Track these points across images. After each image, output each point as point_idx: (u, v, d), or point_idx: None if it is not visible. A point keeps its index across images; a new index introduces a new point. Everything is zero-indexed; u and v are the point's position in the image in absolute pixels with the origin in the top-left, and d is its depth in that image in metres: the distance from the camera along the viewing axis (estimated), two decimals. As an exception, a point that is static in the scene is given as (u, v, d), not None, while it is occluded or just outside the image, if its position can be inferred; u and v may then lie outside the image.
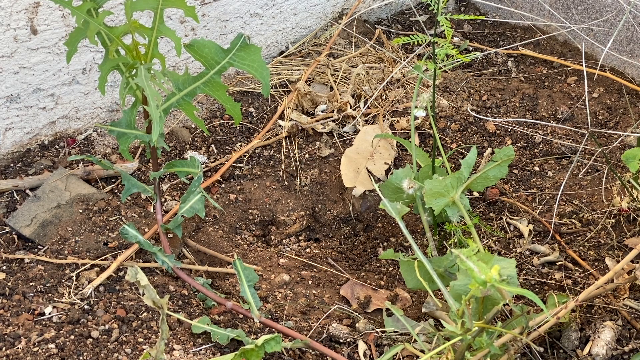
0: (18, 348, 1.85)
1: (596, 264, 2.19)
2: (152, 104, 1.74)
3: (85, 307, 1.98)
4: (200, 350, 1.92)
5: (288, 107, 2.64)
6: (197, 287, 2.04)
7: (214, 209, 2.37)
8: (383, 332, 2.03)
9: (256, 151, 2.57)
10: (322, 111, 2.67)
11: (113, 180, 2.40)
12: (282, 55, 2.92)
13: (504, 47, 3.01)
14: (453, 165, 2.52)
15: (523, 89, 2.82)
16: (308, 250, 2.39)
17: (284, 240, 2.42)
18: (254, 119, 2.67)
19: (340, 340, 2.03)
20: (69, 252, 2.13)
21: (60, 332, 1.90)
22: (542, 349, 1.90)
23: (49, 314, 1.96)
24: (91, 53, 2.43)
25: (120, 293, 2.03)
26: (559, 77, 2.90)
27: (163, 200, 2.37)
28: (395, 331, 2.02)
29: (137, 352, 1.87)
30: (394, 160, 2.54)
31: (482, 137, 2.64)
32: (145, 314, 1.97)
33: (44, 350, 1.85)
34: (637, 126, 2.58)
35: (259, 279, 2.20)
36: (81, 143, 2.50)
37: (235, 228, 2.38)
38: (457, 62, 2.32)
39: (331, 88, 2.76)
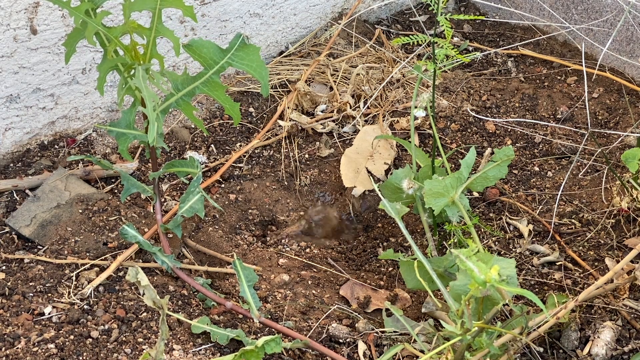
0: (18, 348, 1.85)
1: (596, 264, 2.19)
2: (149, 105, 1.74)
3: (85, 307, 1.98)
4: (200, 350, 1.92)
5: (288, 107, 2.64)
6: (197, 287, 2.04)
7: (213, 209, 2.37)
8: (383, 332, 2.03)
9: (256, 151, 2.57)
10: (322, 111, 2.67)
11: (113, 180, 2.40)
12: (282, 55, 2.92)
13: (504, 47, 3.01)
14: (453, 165, 2.51)
15: (523, 89, 2.82)
16: (308, 250, 2.39)
17: (283, 240, 2.42)
18: (254, 119, 2.67)
19: (340, 341, 2.03)
20: (68, 252, 2.13)
21: (60, 332, 1.90)
22: (542, 349, 1.90)
23: (49, 314, 1.96)
24: (91, 53, 2.42)
25: (120, 293, 2.03)
26: (558, 77, 2.89)
27: (163, 200, 2.37)
28: (395, 331, 2.02)
29: (137, 352, 1.87)
30: (394, 160, 2.54)
31: (482, 137, 2.63)
32: (145, 314, 1.97)
33: (43, 350, 1.85)
34: (637, 126, 2.58)
35: (259, 279, 2.20)
36: (81, 143, 2.50)
37: (235, 228, 2.38)
38: (457, 62, 2.32)
39: (331, 88, 2.76)
